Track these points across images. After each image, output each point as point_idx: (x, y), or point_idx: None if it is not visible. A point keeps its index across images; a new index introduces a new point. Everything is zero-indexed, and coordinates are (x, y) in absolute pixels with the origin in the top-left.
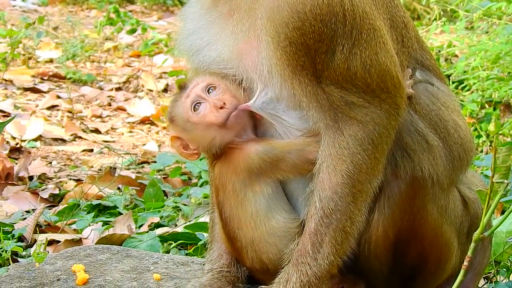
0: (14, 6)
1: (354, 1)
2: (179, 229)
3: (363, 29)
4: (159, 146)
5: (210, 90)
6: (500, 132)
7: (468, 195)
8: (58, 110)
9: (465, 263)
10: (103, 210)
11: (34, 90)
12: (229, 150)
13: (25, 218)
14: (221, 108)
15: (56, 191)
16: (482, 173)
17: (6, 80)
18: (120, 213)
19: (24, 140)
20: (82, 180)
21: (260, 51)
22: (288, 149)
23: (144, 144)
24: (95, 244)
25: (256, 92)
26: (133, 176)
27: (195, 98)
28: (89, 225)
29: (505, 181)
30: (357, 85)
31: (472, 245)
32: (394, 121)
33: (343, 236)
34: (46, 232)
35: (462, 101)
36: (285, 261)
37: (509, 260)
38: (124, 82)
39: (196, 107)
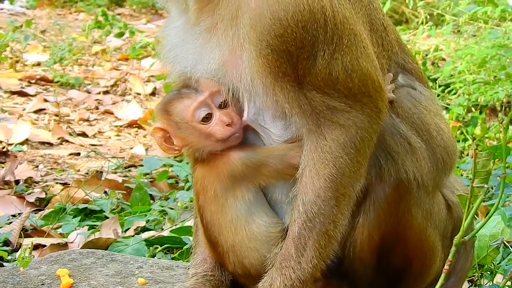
0: (1, 9)
1: (334, 7)
2: (165, 233)
3: (343, 34)
4: (146, 149)
5: (220, 103)
6: (485, 135)
7: (451, 199)
8: (45, 113)
9: (446, 267)
10: (89, 214)
11: (21, 93)
12: (211, 156)
13: (11, 222)
14: (228, 125)
15: (43, 195)
16: (467, 176)
17: None
18: (107, 217)
19: (11, 144)
20: (69, 184)
21: (243, 60)
22: (271, 154)
23: (131, 148)
24: (81, 248)
25: (245, 103)
26: (120, 180)
27: (204, 106)
28: (75, 229)
29: (485, 185)
30: (339, 89)
31: (453, 249)
32: (376, 124)
33: (326, 240)
34: (32, 236)
35: (449, 104)
36: (269, 265)
37: (493, 263)
38: (112, 86)
39: (205, 116)
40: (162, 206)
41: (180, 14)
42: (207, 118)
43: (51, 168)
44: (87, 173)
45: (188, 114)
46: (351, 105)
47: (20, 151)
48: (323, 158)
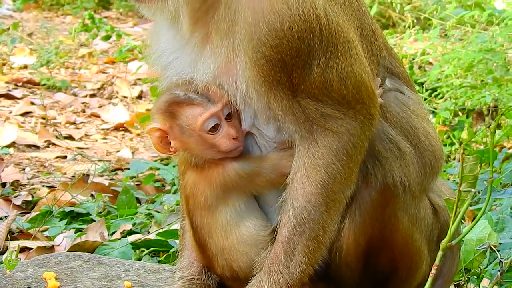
0: None
1: (329, 15)
2: (152, 236)
3: (338, 42)
4: (132, 153)
5: (228, 115)
6: (472, 140)
7: (438, 203)
8: (32, 116)
9: (433, 271)
10: (75, 217)
11: (8, 96)
12: (205, 162)
13: None
14: (234, 139)
15: (29, 198)
16: (454, 180)
17: None
18: (93, 220)
19: None
20: (55, 187)
21: (238, 69)
22: (263, 164)
23: (117, 151)
24: (68, 251)
25: (241, 112)
26: (106, 183)
27: (214, 117)
28: (62, 232)
29: (472, 190)
30: (333, 97)
31: (440, 253)
32: (368, 131)
33: (315, 245)
34: (19, 239)
35: (435, 108)
36: (257, 269)
37: (479, 267)
38: (99, 89)
39: (213, 127)
40: (149, 209)
41: (168, 25)
42: (214, 128)
43: (38, 171)
44: (73, 176)
45: (198, 122)
46: (345, 112)
47: (6, 154)
48: (315, 164)
